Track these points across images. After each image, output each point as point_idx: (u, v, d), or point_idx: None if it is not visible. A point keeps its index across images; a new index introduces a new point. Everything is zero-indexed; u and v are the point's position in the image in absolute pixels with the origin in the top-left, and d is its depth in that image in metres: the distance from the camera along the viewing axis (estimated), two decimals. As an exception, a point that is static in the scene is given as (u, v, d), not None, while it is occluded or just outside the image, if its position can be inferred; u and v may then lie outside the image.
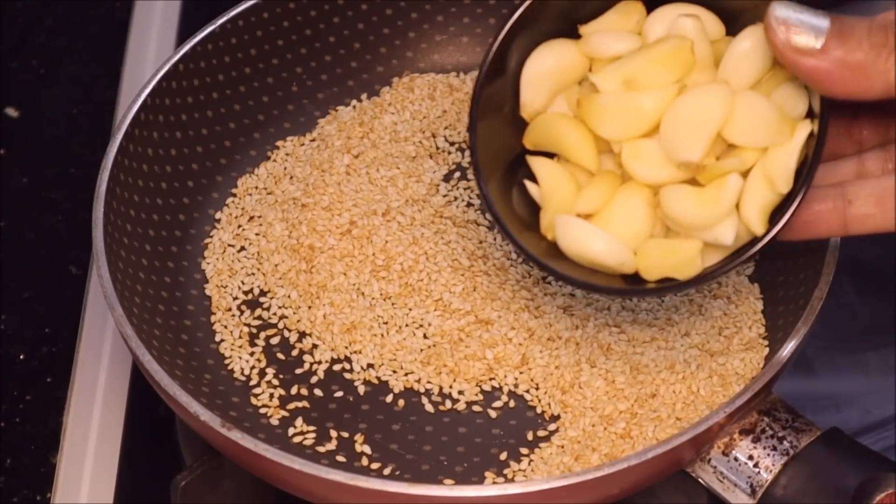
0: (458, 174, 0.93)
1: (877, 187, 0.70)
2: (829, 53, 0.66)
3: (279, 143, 0.95)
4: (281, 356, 0.86)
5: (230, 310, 0.88)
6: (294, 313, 0.87)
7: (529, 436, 0.82)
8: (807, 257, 0.84)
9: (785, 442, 0.77)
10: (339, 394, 0.84)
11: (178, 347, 0.85)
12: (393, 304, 0.87)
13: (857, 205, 0.71)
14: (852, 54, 0.66)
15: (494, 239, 0.90)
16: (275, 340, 0.87)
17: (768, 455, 0.76)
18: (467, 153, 0.94)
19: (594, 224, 0.75)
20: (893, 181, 0.70)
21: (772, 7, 0.68)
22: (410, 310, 0.87)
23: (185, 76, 0.91)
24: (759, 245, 0.72)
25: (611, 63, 0.75)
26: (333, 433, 0.83)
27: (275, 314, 0.88)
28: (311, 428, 0.83)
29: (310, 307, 0.87)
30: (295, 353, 0.86)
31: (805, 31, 0.66)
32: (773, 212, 0.72)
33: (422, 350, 0.85)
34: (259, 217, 0.92)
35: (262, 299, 0.88)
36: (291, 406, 0.84)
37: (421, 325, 0.86)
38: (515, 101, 0.78)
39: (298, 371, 0.85)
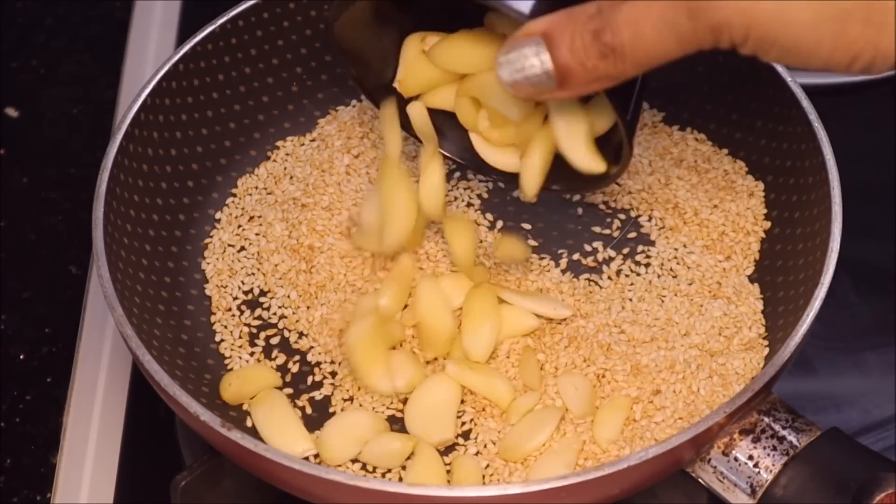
0: (458, 174, 0.93)
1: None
2: (566, 87, 0.70)
3: (279, 143, 0.95)
4: (281, 356, 0.86)
5: (230, 310, 0.88)
6: (294, 313, 0.87)
7: (529, 436, 0.82)
8: (807, 257, 0.84)
9: (785, 442, 0.77)
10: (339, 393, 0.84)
11: (178, 347, 0.84)
12: (393, 304, 0.87)
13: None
14: (586, 75, 0.69)
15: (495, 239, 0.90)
16: (275, 340, 0.87)
17: (768, 455, 0.76)
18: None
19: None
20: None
21: (497, 75, 0.72)
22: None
23: (185, 76, 0.91)
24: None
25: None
26: (333, 433, 0.83)
27: (275, 314, 0.88)
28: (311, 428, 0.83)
29: (308, 307, 0.87)
30: (294, 353, 0.86)
31: (536, 83, 0.70)
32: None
33: (422, 350, 0.85)
34: (259, 217, 0.92)
35: (262, 299, 0.88)
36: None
37: (421, 325, 0.86)
38: None
39: (298, 371, 0.85)
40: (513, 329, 0.84)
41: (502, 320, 0.84)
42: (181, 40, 1.01)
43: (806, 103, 0.86)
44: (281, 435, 0.80)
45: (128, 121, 0.87)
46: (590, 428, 0.81)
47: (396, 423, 0.82)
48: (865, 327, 0.98)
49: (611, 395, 0.82)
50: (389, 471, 0.80)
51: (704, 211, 0.90)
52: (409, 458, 0.80)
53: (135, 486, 0.89)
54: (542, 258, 0.89)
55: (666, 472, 0.76)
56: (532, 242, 0.89)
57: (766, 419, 0.77)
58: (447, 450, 0.81)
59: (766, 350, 0.83)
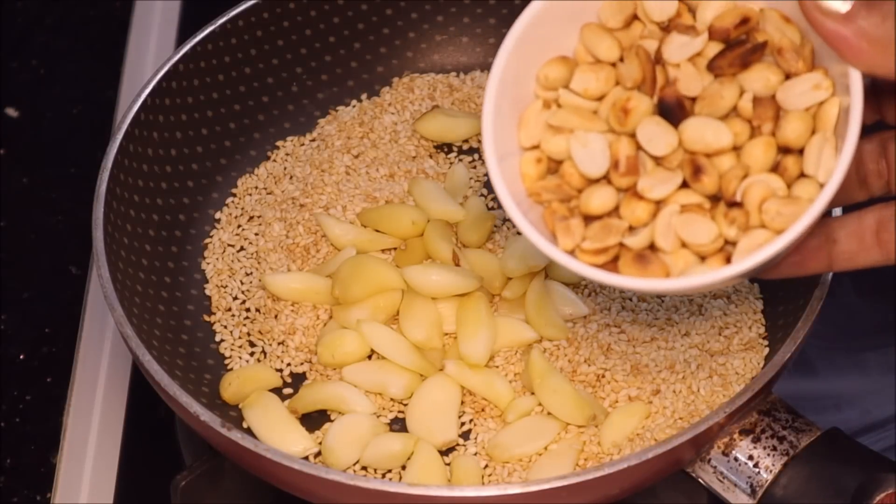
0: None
1: (858, 225, 0.69)
2: (853, 21, 0.64)
3: (279, 143, 0.95)
4: (281, 356, 0.86)
5: (230, 310, 0.88)
6: (291, 313, 0.87)
7: (529, 436, 0.82)
8: (807, 257, 0.84)
9: (785, 442, 0.77)
10: (339, 394, 0.84)
11: (178, 347, 0.85)
12: (393, 304, 0.87)
13: (841, 243, 0.70)
14: (875, 28, 0.63)
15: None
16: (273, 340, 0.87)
17: (768, 455, 0.76)
18: (466, 153, 0.94)
19: None
20: (873, 219, 0.69)
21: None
22: (410, 310, 0.87)
23: (185, 76, 0.91)
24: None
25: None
26: (333, 433, 0.83)
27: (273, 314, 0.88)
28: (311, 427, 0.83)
29: (304, 307, 0.87)
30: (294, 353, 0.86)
31: None
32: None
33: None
34: (259, 217, 0.92)
35: (260, 300, 0.88)
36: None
37: (421, 326, 0.86)
38: None
39: (298, 371, 0.85)
40: (510, 341, 0.84)
41: (500, 332, 0.84)
42: (181, 40, 1.01)
43: (806, 103, 0.86)
44: (279, 435, 0.80)
45: (128, 121, 0.87)
46: (590, 429, 0.81)
47: (397, 425, 0.82)
48: (865, 327, 0.98)
49: (611, 395, 0.82)
50: (390, 471, 0.80)
51: (704, 211, 0.89)
52: (409, 458, 0.80)
53: (135, 486, 0.89)
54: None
55: (666, 472, 0.76)
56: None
57: (766, 419, 0.77)
58: (447, 450, 0.81)
59: (766, 350, 0.83)
